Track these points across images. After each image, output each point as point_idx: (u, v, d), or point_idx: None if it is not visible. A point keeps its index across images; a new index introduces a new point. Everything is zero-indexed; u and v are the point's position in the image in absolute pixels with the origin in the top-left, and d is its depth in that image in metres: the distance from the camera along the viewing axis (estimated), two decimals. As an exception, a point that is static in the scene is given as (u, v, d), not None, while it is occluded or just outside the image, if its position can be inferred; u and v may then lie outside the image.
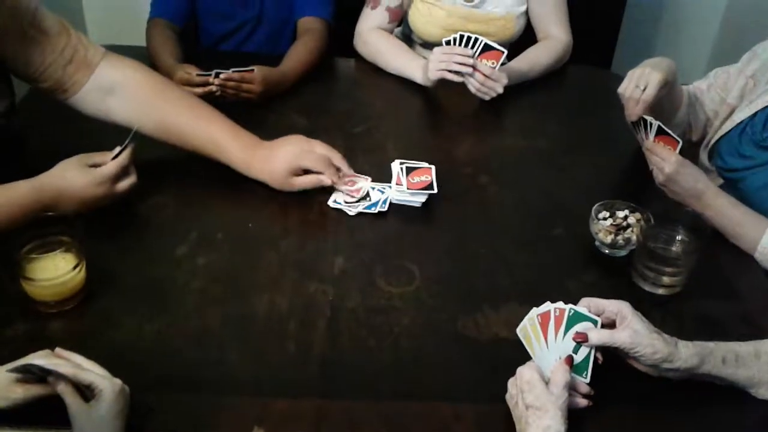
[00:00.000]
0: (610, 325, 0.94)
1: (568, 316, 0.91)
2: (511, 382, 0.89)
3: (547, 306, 0.92)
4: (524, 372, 0.87)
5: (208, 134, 1.26)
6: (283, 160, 1.24)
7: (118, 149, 1.17)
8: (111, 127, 1.26)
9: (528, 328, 0.94)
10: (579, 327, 0.91)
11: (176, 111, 1.26)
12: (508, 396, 0.89)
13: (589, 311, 0.94)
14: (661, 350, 0.89)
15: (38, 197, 1.10)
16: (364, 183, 1.29)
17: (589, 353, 0.91)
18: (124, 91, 1.25)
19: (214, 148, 1.26)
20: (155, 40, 1.67)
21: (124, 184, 1.17)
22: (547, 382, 0.86)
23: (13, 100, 1.26)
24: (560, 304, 0.92)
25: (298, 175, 1.25)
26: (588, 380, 0.90)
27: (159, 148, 1.31)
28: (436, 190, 1.25)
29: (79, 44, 1.23)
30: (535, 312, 0.93)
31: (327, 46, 1.76)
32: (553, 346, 0.91)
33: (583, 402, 0.89)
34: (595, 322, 0.91)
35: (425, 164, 1.29)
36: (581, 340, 0.93)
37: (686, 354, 0.90)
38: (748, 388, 0.93)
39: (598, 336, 0.91)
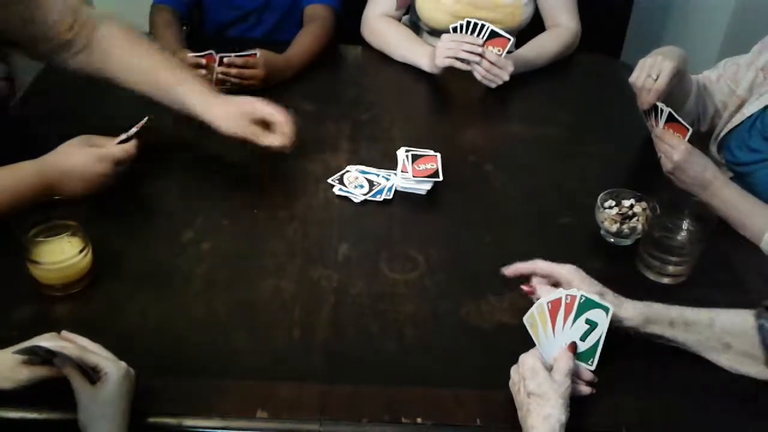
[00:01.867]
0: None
1: (579, 303, 0.90)
2: (513, 369, 0.90)
3: (559, 293, 0.91)
4: (527, 359, 0.87)
5: (166, 81, 1.27)
6: (237, 104, 1.25)
7: (124, 135, 1.18)
8: (120, 115, 1.26)
9: (536, 316, 0.93)
10: (590, 315, 0.90)
11: (149, 63, 1.28)
12: (511, 383, 0.90)
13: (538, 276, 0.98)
14: None
15: (43, 177, 1.12)
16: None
17: (598, 341, 0.90)
18: (106, 51, 1.27)
19: (176, 94, 1.27)
20: (158, 26, 1.67)
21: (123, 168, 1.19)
22: (550, 370, 0.86)
23: (7, 71, 1.28)
24: (573, 291, 0.91)
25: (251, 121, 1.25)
26: (594, 368, 0.90)
27: (165, 132, 1.32)
28: (441, 178, 1.25)
29: (80, 4, 1.23)
30: (545, 299, 0.92)
31: (334, 33, 1.76)
32: (560, 334, 0.90)
33: (586, 390, 0.89)
34: (606, 309, 0.90)
35: (431, 152, 1.29)
36: (530, 290, 0.98)
37: (631, 313, 0.94)
38: (700, 353, 0.95)
39: (546, 290, 0.96)
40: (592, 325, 0.90)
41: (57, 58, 1.26)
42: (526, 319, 0.94)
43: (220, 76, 1.49)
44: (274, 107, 1.25)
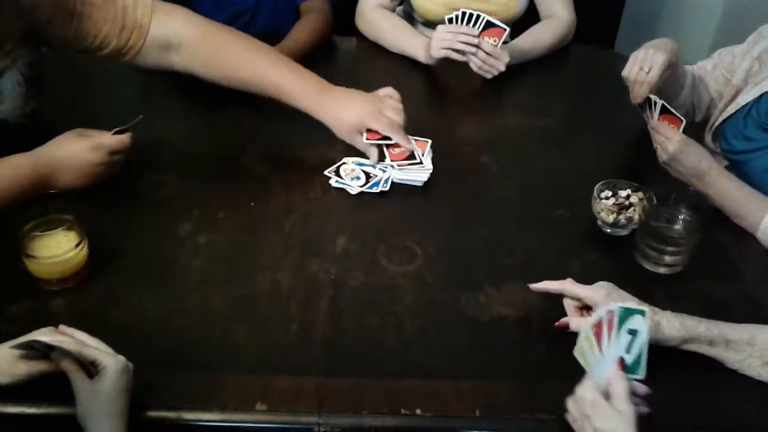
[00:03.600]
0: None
1: (619, 315, 0.85)
2: (571, 404, 0.83)
3: (597, 315, 0.87)
4: (585, 394, 0.81)
5: (270, 82, 1.28)
6: (354, 114, 1.26)
7: (117, 128, 1.18)
8: (125, 113, 1.25)
9: (584, 345, 0.88)
10: (630, 324, 0.85)
11: (236, 61, 1.28)
12: (570, 418, 0.83)
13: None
14: None
15: (37, 168, 1.11)
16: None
17: (642, 347, 0.84)
18: (182, 48, 1.27)
19: (280, 94, 1.29)
20: None
21: (119, 159, 1.19)
22: (607, 396, 0.81)
23: (39, 104, 1.27)
24: (610, 306, 0.86)
25: (361, 132, 1.27)
26: (644, 376, 0.84)
27: (161, 126, 1.31)
28: (422, 162, 1.26)
29: (127, 7, 1.22)
30: (587, 324, 0.87)
31: (330, 27, 1.74)
32: (606, 351, 0.85)
33: (644, 409, 0.83)
34: (643, 313, 0.85)
35: (419, 138, 1.31)
36: (563, 326, 0.96)
37: (669, 334, 0.93)
38: (739, 370, 0.94)
39: (577, 324, 0.95)
40: (634, 333, 0.85)
41: (121, 61, 1.26)
42: (576, 352, 0.89)
43: None
44: (389, 124, 1.26)
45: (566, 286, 0.98)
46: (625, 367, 0.82)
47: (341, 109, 1.27)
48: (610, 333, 0.84)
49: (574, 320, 0.97)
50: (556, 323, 0.98)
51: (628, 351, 0.84)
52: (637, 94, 1.30)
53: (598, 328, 0.85)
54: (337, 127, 1.28)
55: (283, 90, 1.28)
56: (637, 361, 0.84)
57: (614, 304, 0.85)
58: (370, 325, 1.00)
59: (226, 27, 1.32)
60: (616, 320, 0.84)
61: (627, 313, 0.85)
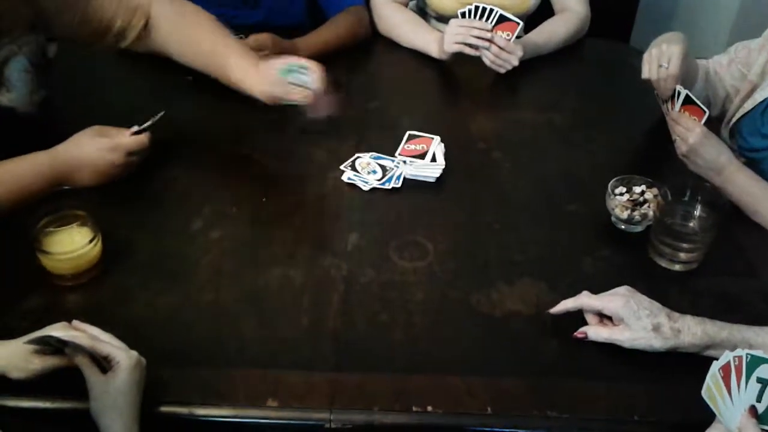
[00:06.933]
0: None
1: (747, 362, 0.83)
2: None
3: (725, 357, 0.84)
4: None
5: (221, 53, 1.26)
6: (274, 61, 1.22)
7: (136, 127, 1.18)
8: (136, 109, 1.26)
9: (712, 387, 0.85)
10: (759, 372, 0.82)
11: (199, 37, 1.28)
12: None
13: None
14: (659, 348, 0.92)
15: (56, 166, 1.12)
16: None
17: None
18: (161, 28, 1.27)
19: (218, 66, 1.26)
20: None
21: (136, 159, 1.19)
22: None
23: (48, 94, 1.28)
24: (738, 352, 0.83)
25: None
26: None
27: (174, 122, 1.31)
28: (437, 161, 1.26)
29: None
30: (716, 366, 0.85)
31: (366, 30, 1.69)
32: (737, 400, 0.83)
33: None
34: None
35: (429, 135, 1.31)
36: (582, 336, 0.95)
37: (688, 342, 0.92)
38: None
39: (596, 333, 0.95)
40: (764, 383, 0.83)
41: (119, 46, 1.27)
42: (704, 393, 0.86)
43: None
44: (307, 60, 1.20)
45: (583, 300, 0.97)
46: (757, 416, 0.80)
47: (263, 66, 1.21)
48: (739, 380, 0.83)
49: (592, 330, 0.96)
50: (574, 333, 0.96)
51: (759, 400, 0.81)
52: (664, 89, 1.29)
53: (725, 371, 0.83)
54: (259, 83, 1.21)
55: (225, 61, 1.25)
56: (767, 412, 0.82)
57: (743, 351, 0.82)
58: (381, 321, 0.99)
59: (189, 5, 1.32)
60: (744, 367, 0.82)
61: (757, 361, 0.82)
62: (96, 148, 1.14)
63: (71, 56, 1.45)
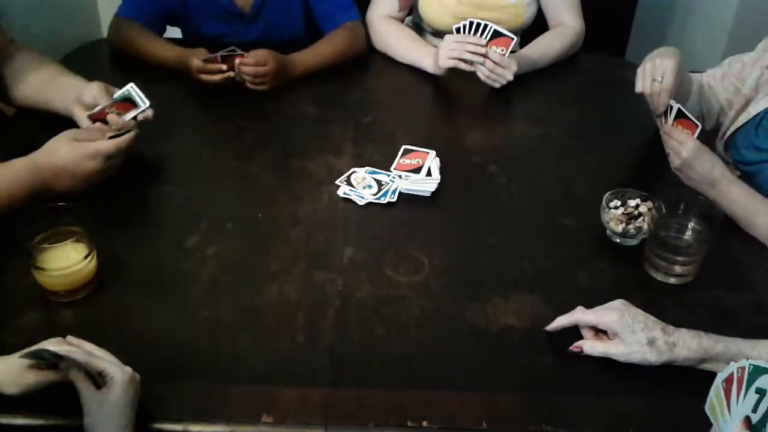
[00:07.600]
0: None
1: (748, 372, 0.82)
2: None
3: (730, 368, 0.83)
4: None
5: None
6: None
7: (114, 131, 1.18)
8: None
9: (714, 400, 0.84)
10: (759, 383, 0.81)
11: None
12: None
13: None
14: (654, 362, 0.92)
15: (36, 173, 1.12)
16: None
17: None
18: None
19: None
20: (140, 34, 1.62)
21: (117, 162, 1.18)
22: None
23: None
24: (742, 363, 0.82)
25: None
26: None
27: (168, 137, 1.32)
28: (433, 175, 1.27)
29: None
30: (719, 378, 0.84)
31: (361, 44, 1.71)
32: (734, 410, 0.82)
33: None
34: None
35: (424, 150, 1.32)
36: (577, 350, 0.95)
37: (683, 356, 0.92)
38: None
39: (591, 347, 0.95)
40: (762, 393, 0.82)
41: None
42: (707, 408, 0.85)
43: (238, 78, 1.50)
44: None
45: (578, 316, 0.97)
46: (750, 427, 0.80)
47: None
48: (739, 391, 0.82)
49: (588, 344, 0.96)
50: (570, 347, 0.96)
51: (754, 410, 0.81)
52: (658, 104, 1.29)
53: (728, 383, 0.83)
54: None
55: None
56: (762, 422, 0.81)
57: (746, 361, 0.81)
58: (376, 335, 0.99)
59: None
60: (745, 378, 0.82)
61: (757, 371, 0.81)
62: (74, 156, 1.13)
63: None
